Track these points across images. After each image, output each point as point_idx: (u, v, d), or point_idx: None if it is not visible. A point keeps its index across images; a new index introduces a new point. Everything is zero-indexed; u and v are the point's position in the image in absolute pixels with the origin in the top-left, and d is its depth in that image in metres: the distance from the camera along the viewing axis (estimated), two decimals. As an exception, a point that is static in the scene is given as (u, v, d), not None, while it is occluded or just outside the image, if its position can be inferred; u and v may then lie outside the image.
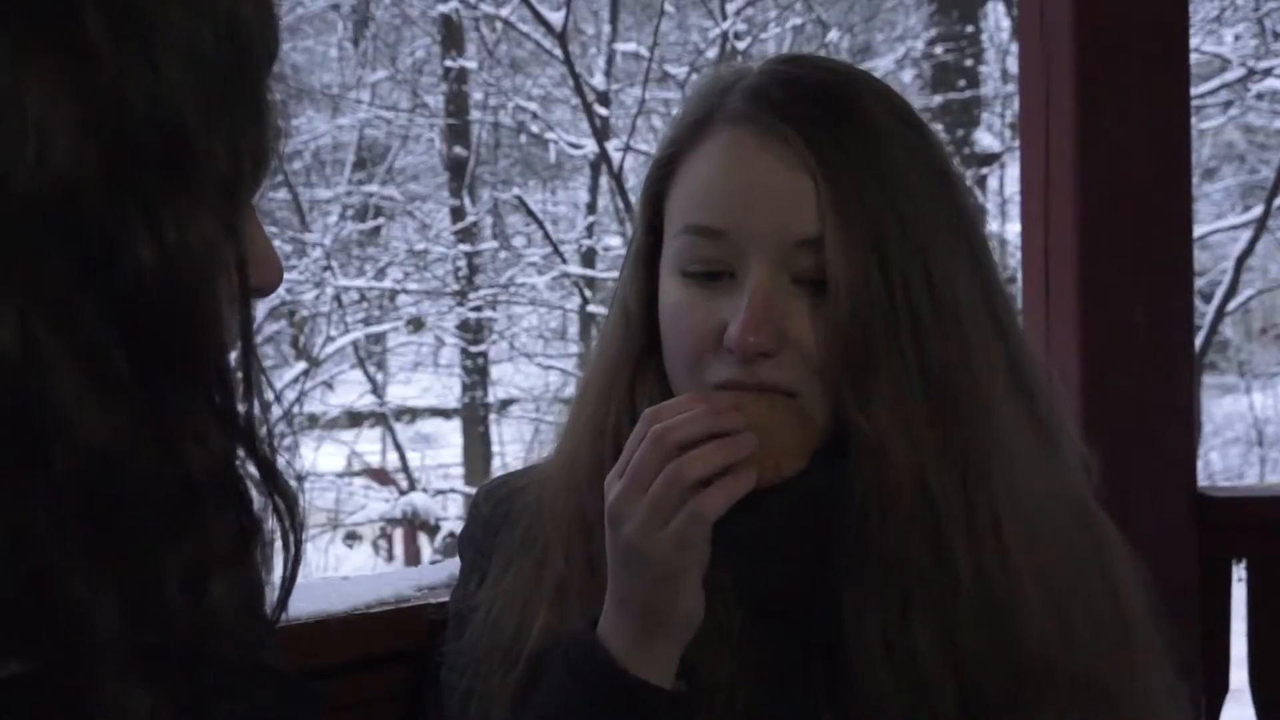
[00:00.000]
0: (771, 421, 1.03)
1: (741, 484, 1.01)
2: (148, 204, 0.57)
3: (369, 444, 12.14)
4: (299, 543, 0.65)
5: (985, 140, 10.44)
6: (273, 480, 0.64)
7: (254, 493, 0.63)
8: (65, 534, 0.55)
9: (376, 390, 11.18)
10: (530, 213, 9.59)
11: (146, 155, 0.57)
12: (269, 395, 0.64)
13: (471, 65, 10.35)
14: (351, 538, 10.64)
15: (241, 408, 0.63)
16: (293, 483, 0.65)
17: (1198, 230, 5.51)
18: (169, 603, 0.58)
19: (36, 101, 0.54)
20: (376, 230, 11.52)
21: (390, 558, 10.94)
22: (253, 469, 0.63)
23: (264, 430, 0.64)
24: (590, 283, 9.38)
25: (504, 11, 8.96)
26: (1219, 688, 1.87)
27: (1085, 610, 1.10)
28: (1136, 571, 1.17)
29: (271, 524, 0.64)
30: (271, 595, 0.66)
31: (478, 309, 10.36)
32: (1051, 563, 1.08)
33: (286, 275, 0.68)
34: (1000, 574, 1.05)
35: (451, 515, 10.40)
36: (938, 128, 10.35)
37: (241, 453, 0.62)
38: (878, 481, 1.03)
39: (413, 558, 10.51)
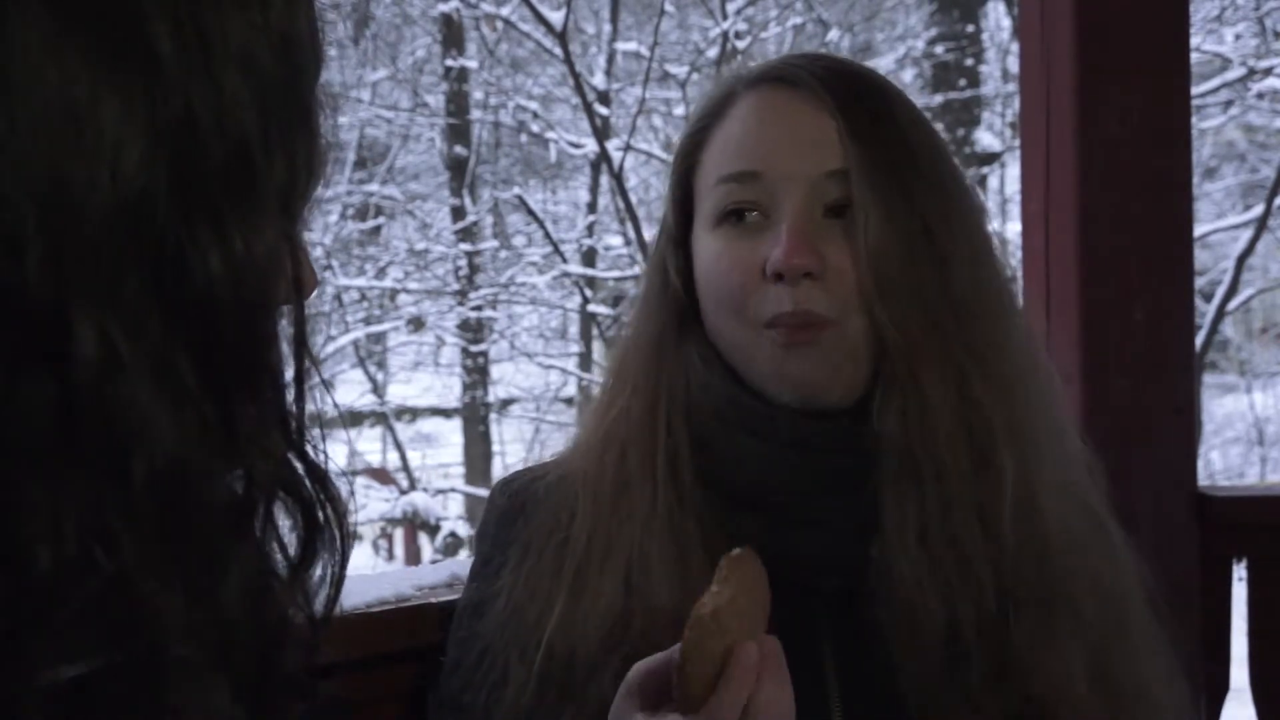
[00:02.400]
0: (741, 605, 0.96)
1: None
2: (216, 215, 0.58)
3: (369, 443, 12.15)
4: (347, 546, 0.67)
5: (986, 140, 10.44)
6: (323, 483, 0.65)
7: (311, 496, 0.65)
8: (140, 540, 0.56)
9: (377, 390, 11.19)
10: (531, 212, 9.59)
11: (213, 167, 0.58)
12: (322, 400, 0.66)
13: (472, 64, 10.35)
14: (352, 537, 10.63)
15: (293, 412, 0.64)
16: (343, 486, 0.66)
17: (1198, 229, 5.51)
18: (235, 605, 0.59)
19: (109, 115, 0.55)
20: (377, 229, 11.52)
21: (391, 557, 10.95)
22: (304, 473, 0.65)
23: (313, 434, 0.65)
24: (591, 282, 9.38)
25: (505, 11, 8.96)
26: (1219, 687, 1.86)
27: (1089, 539, 1.15)
28: (1134, 561, 1.19)
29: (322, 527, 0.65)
30: (319, 595, 0.67)
31: (478, 308, 10.36)
32: (1065, 477, 1.15)
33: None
34: (1031, 471, 1.10)
35: (452, 514, 10.40)
36: (938, 127, 10.37)
37: (293, 456, 0.64)
38: (918, 394, 1.08)
39: (413, 557, 10.52)
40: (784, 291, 1.08)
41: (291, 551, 0.64)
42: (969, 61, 10.65)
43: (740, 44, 8.28)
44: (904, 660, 1.08)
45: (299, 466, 0.64)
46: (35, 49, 0.54)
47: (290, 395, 0.64)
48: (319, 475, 0.65)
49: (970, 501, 1.08)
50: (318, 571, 0.66)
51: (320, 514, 0.65)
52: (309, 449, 0.64)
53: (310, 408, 0.65)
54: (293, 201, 0.63)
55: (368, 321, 10.69)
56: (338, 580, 0.67)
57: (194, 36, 0.57)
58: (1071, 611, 1.10)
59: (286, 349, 0.64)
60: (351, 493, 0.68)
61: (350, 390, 11.08)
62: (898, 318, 1.08)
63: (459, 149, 10.87)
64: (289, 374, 0.64)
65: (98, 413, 0.55)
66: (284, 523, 0.64)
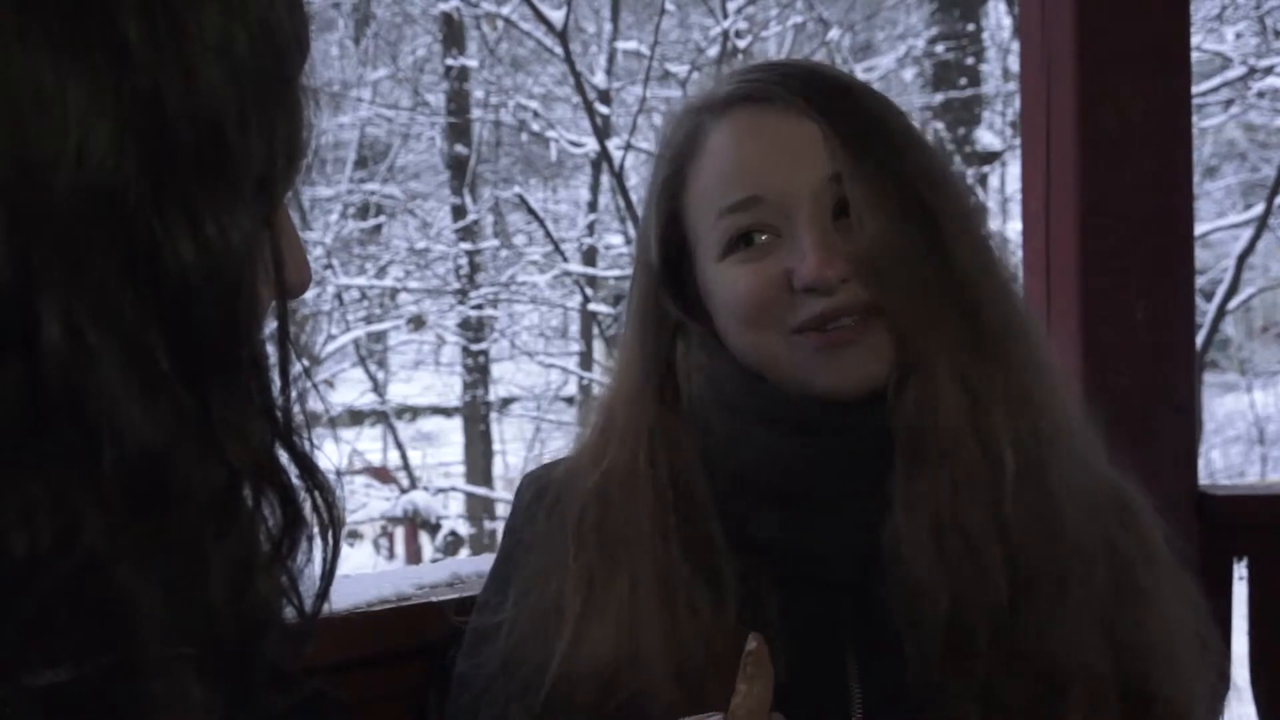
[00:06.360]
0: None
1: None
2: (188, 201, 0.57)
3: (370, 442, 12.14)
4: (337, 536, 0.66)
5: (986, 138, 10.43)
6: (310, 473, 0.64)
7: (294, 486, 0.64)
8: (113, 529, 0.55)
9: (377, 388, 11.18)
10: (531, 211, 9.58)
11: (185, 153, 0.57)
12: (306, 389, 0.65)
13: (472, 63, 10.35)
14: (352, 536, 10.65)
15: (278, 402, 0.63)
16: (331, 476, 0.65)
17: (1199, 228, 5.51)
18: (215, 595, 0.59)
19: (76, 101, 0.55)
20: (377, 228, 11.53)
21: (391, 556, 10.96)
22: (291, 464, 0.64)
23: (300, 424, 0.64)
24: (591, 281, 9.37)
25: (505, 10, 8.96)
26: (1220, 686, 1.86)
27: (1104, 512, 1.16)
28: (1157, 525, 1.21)
29: (309, 517, 0.65)
30: (310, 588, 0.66)
31: (479, 307, 10.36)
32: (1078, 448, 1.15)
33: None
34: (1036, 450, 1.10)
35: (452, 514, 10.40)
36: (939, 125, 10.40)
37: (279, 446, 0.63)
38: (930, 382, 1.08)
39: (414, 556, 10.52)
40: (817, 299, 1.09)
41: (279, 543, 0.63)
42: (970, 60, 10.63)
43: (741, 43, 8.28)
44: (910, 647, 1.08)
45: (285, 457, 0.63)
46: (0, 35, 0.54)
47: (276, 384, 0.63)
48: (307, 466, 0.64)
49: (979, 487, 1.08)
50: (309, 563, 0.65)
51: (308, 505, 0.64)
52: (296, 439, 0.64)
53: (299, 398, 0.64)
54: (272, 187, 0.62)
55: (368, 320, 10.69)
56: (329, 573, 0.66)
57: (166, 26, 0.57)
58: (1085, 586, 1.11)
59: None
60: (341, 484, 0.67)
61: (351, 389, 11.08)
62: (908, 309, 1.08)
63: (459, 148, 10.87)
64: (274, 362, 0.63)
65: (66, 400, 0.54)
66: (273, 513, 0.63)
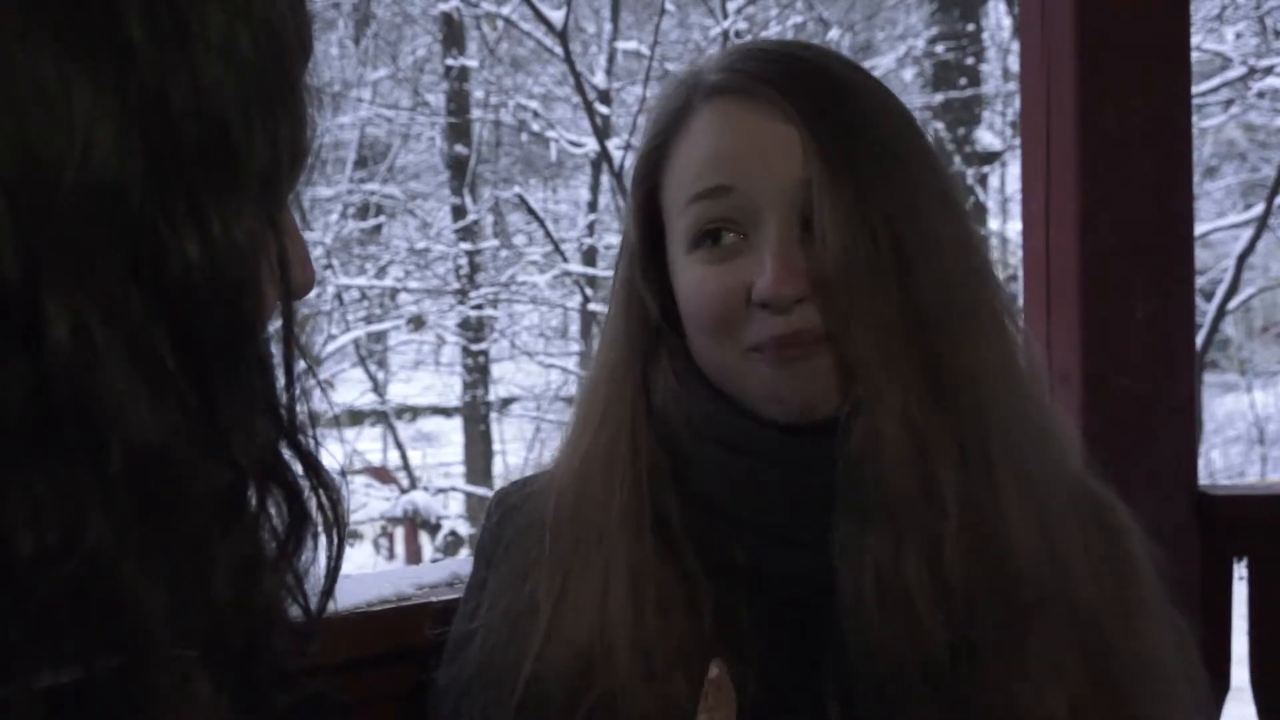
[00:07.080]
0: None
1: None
2: (193, 200, 0.58)
3: (370, 442, 12.16)
4: (342, 535, 0.66)
5: (986, 139, 10.44)
6: (315, 472, 0.64)
7: (299, 484, 0.64)
8: (119, 528, 0.55)
9: (377, 388, 11.19)
10: (531, 211, 9.59)
11: (190, 152, 0.58)
12: (310, 388, 0.65)
13: (473, 64, 10.36)
14: (352, 536, 10.65)
15: (283, 401, 0.63)
16: (335, 476, 0.65)
17: (1199, 228, 5.51)
18: (221, 594, 0.59)
19: (81, 100, 0.55)
20: (377, 228, 11.54)
21: (391, 556, 10.96)
22: (295, 462, 0.64)
23: (305, 423, 0.64)
24: (591, 281, 9.38)
25: (505, 10, 8.96)
26: (1220, 686, 1.86)
27: (1080, 547, 1.10)
28: (1141, 537, 1.17)
29: (314, 516, 0.65)
30: (314, 587, 0.66)
31: (479, 307, 10.37)
32: (1042, 492, 1.09)
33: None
34: (990, 500, 1.04)
35: (452, 514, 10.40)
36: (939, 126, 10.41)
37: (284, 445, 0.63)
38: (869, 422, 1.03)
39: (414, 556, 10.53)
40: (772, 318, 1.05)
41: (284, 541, 0.63)
42: (970, 60, 10.64)
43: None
44: (856, 684, 1.05)
45: (290, 455, 0.63)
46: (3, 35, 0.54)
47: (280, 383, 0.63)
48: (312, 465, 0.64)
49: (920, 537, 1.03)
50: (313, 562, 0.65)
51: (312, 503, 0.64)
52: (301, 438, 0.64)
53: (303, 396, 0.64)
54: (276, 185, 0.62)
55: (368, 320, 10.70)
56: (333, 571, 0.67)
57: (170, 25, 0.57)
58: (1051, 634, 1.06)
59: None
60: (345, 484, 0.67)
61: (351, 389, 11.09)
62: (860, 338, 1.03)
63: (459, 148, 10.88)
64: (278, 361, 0.63)
65: (72, 398, 0.54)
66: (278, 512, 0.63)
